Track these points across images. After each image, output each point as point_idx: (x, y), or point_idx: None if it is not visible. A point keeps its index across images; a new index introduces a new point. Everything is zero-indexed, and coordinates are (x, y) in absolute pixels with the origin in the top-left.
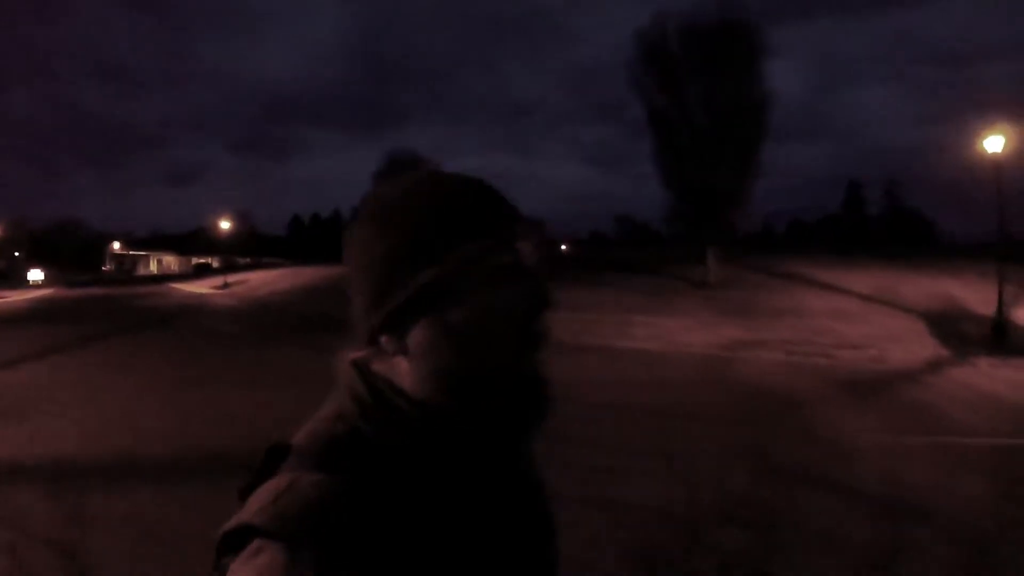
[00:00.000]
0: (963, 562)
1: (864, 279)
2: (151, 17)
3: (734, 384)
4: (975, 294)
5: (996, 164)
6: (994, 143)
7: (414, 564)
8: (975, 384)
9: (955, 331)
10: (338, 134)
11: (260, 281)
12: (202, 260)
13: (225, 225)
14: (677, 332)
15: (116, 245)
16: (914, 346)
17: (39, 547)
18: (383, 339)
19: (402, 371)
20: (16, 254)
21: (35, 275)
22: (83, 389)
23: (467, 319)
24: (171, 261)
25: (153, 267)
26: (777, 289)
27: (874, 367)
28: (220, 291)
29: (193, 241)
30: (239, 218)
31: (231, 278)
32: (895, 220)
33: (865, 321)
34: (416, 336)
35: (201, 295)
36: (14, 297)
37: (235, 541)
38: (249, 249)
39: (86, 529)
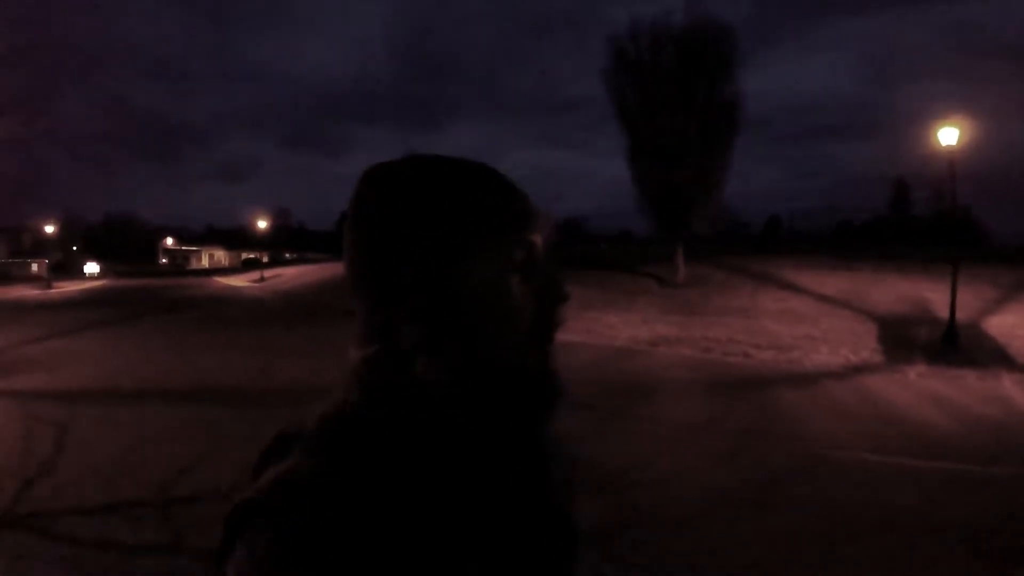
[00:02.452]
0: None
1: (838, 281)
2: (203, 15)
3: (614, 375)
4: (948, 298)
5: (951, 158)
6: (948, 135)
7: (404, 552)
8: (881, 393)
9: (906, 336)
10: (389, 131)
11: (293, 275)
12: (251, 255)
13: (263, 224)
14: (616, 327)
15: (169, 240)
16: (847, 350)
17: (48, 426)
18: (399, 334)
19: (418, 364)
20: (74, 248)
21: (91, 268)
22: (106, 352)
23: (480, 315)
24: (222, 256)
25: (205, 261)
26: (742, 289)
27: (784, 368)
28: (255, 284)
29: (243, 236)
30: (283, 215)
31: (269, 272)
32: (941, 220)
33: (812, 323)
34: (429, 330)
35: (237, 287)
36: (71, 287)
37: (239, 517)
38: (297, 244)
39: (78, 421)
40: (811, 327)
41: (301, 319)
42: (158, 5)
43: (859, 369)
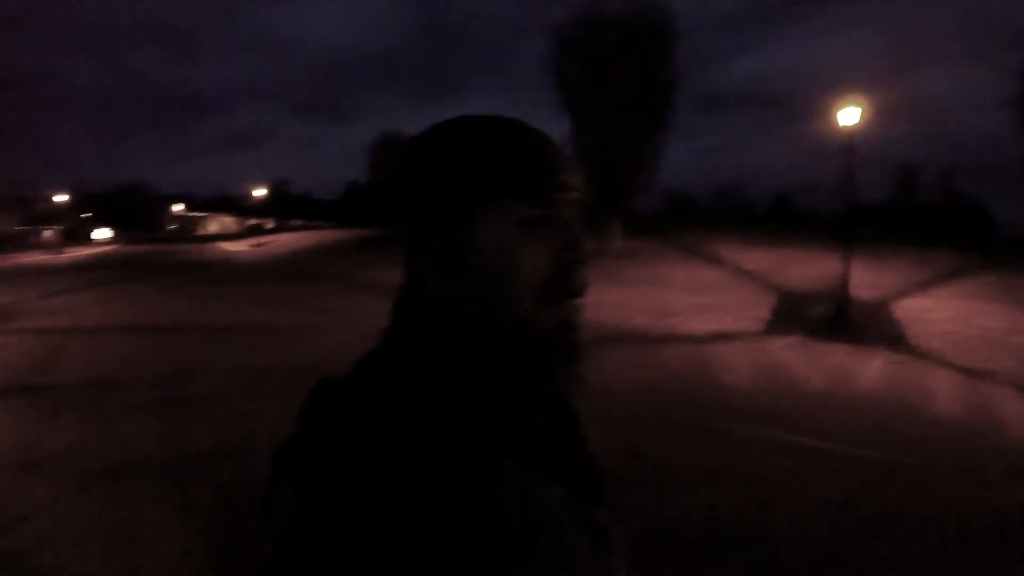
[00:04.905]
0: None
1: (765, 258)
2: None
3: None
4: (878, 278)
5: (850, 137)
6: (848, 115)
7: (426, 496)
8: (716, 359)
9: (802, 311)
10: (403, 98)
11: (289, 240)
12: (254, 222)
13: (261, 192)
14: None
15: (177, 207)
16: (731, 319)
17: (50, 346)
18: (424, 283)
19: (433, 312)
20: (84, 216)
21: (101, 234)
22: (99, 303)
23: (486, 269)
24: (229, 222)
25: (213, 227)
26: (667, 261)
27: (648, 332)
28: (252, 248)
29: (249, 204)
30: (283, 184)
31: (267, 238)
32: (947, 208)
33: (712, 293)
34: (436, 283)
35: (233, 251)
36: (81, 252)
37: (280, 459)
38: (303, 212)
39: (70, 344)
40: (708, 297)
41: (277, 278)
42: None
43: (725, 337)
